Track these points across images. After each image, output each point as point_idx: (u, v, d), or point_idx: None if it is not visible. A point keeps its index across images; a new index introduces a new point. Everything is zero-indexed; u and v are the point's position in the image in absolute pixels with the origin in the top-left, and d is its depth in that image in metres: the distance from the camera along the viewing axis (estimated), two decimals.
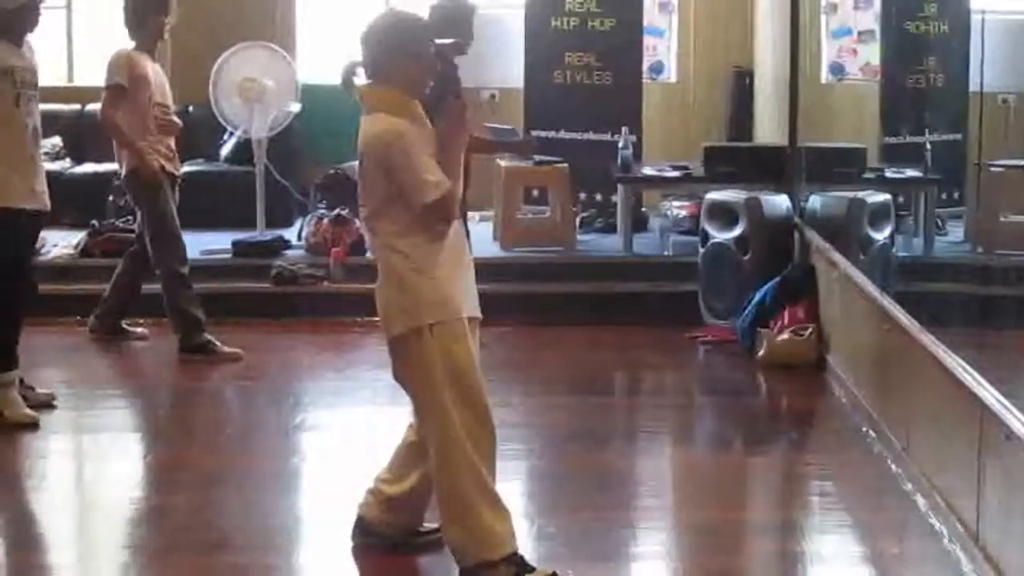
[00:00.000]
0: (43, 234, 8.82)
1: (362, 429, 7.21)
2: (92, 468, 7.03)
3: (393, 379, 5.04)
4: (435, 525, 5.18)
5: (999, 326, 6.95)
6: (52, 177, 7.59)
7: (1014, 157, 9.31)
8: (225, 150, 11.76)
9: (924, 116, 10.50)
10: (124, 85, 8.42)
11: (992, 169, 9.91)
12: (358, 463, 5.76)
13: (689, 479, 6.79)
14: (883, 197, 9.33)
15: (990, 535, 5.04)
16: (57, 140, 11.74)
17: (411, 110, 4.90)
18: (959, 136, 10.55)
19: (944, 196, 10.49)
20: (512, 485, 6.02)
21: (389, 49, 4.85)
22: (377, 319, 5.02)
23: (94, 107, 8.88)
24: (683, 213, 10.91)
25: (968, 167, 10.27)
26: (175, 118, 8.72)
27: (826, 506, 6.23)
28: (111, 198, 10.77)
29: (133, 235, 9.17)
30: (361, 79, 4.96)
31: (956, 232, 10.24)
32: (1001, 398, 5.00)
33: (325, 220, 10.35)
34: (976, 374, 5.36)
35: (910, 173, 10.07)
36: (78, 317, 9.23)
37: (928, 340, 6.06)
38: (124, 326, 9.15)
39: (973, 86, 10.27)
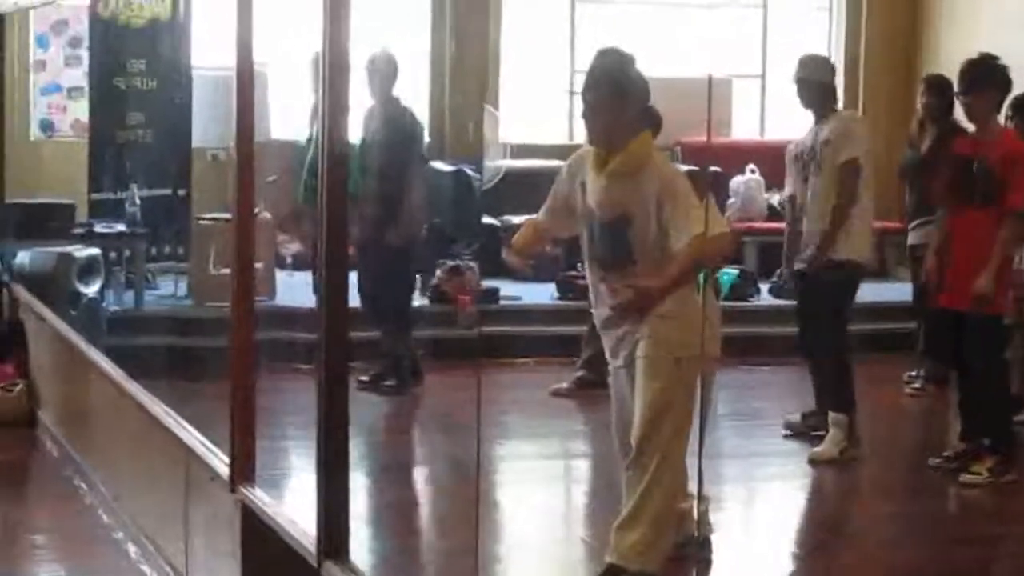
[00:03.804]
0: None
1: None
2: None
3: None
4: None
5: (201, 375, 7.20)
6: None
7: (221, 210, 9.57)
8: None
9: (132, 171, 10.58)
10: None
11: (201, 222, 10.19)
12: None
13: None
14: (93, 251, 9.41)
15: (198, 575, 5.20)
16: None
17: None
18: (183, 191, 10.73)
19: (165, 250, 10.66)
20: None
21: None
22: None
23: None
24: None
25: (191, 221, 10.49)
26: None
27: (39, 559, 6.19)
28: None
29: None
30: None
31: (183, 285, 10.40)
32: (206, 441, 5.18)
33: None
34: (182, 420, 5.53)
35: (120, 228, 10.16)
36: None
37: (135, 390, 6.19)
38: None
39: (197, 142, 10.54)
